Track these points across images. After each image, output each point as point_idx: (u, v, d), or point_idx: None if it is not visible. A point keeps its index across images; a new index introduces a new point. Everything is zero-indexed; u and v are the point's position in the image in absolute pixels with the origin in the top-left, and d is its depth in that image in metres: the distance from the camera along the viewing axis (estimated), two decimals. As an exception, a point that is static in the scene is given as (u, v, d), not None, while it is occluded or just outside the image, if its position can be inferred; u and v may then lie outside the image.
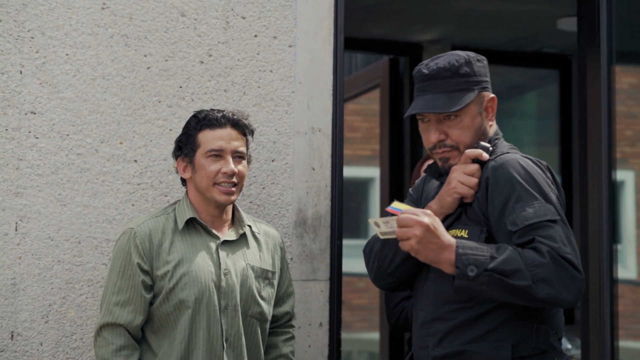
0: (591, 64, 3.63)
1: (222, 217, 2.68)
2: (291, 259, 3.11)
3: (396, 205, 2.34)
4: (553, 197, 2.22)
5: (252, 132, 2.71)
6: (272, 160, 3.14)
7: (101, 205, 2.91)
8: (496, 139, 2.41)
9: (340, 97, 3.29)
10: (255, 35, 3.14)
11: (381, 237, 2.24)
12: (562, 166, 6.11)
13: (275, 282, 2.74)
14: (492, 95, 2.42)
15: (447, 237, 2.18)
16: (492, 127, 2.43)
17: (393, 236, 2.21)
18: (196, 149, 2.62)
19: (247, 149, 2.70)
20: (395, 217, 2.19)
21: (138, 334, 2.58)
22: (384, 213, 5.77)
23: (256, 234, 2.74)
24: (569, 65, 6.14)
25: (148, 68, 3.00)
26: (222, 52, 3.10)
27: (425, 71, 2.37)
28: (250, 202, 3.11)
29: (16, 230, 2.80)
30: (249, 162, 2.72)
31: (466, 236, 2.25)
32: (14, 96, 2.83)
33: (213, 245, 2.63)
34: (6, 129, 2.82)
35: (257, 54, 3.14)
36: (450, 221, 2.32)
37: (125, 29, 2.98)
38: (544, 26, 5.31)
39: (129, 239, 2.58)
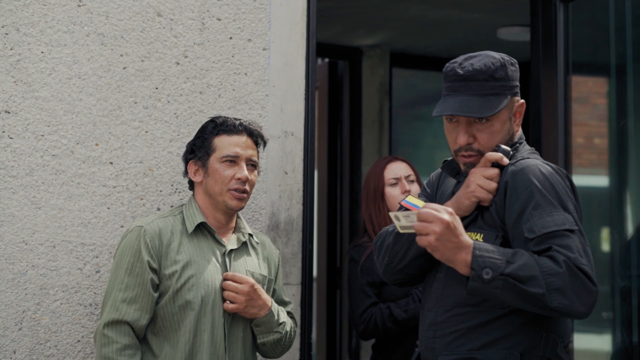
0: (547, 73, 3.74)
1: (227, 225, 2.72)
2: (263, 263, 3.10)
3: (410, 199, 2.32)
4: (571, 206, 2.20)
5: (264, 144, 2.77)
6: (246, 164, 3.12)
7: (76, 208, 2.83)
8: (519, 143, 2.37)
9: (312, 101, 3.29)
10: (231, 38, 3.12)
11: (401, 231, 2.20)
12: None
13: (271, 289, 2.80)
14: (522, 100, 2.37)
15: (466, 237, 2.14)
16: (518, 132, 2.39)
17: (412, 231, 2.16)
18: (211, 153, 2.65)
19: (258, 159, 2.74)
20: (415, 212, 2.15)
21: (141, 334, 2.55)
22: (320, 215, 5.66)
23: (254, 242, 2.78)
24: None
25: (124, 68, 2.93)
26: (198, 53, 3.05)
27: (460, 71, 2.29)
28: (225, 206, 3.08)
29: (-11, 233, 2.69)
30: (258, 173, 2.76)
31: (481, 240, 2.22)
32: (-13, 94, 2.72)
33: (218, 251, 2.67)
34: (-21, 129, 2.71)
35: (232, 56, 3.11)
36: (466, 223, 2.28)
37: (102, 27, 2.91)
38: (484, 35, 5.44)
39: (138, 236, 2.55)
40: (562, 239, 2.12)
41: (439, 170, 2.51)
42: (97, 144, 2.88)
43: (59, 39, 2.84)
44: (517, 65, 2.37)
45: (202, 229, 2.66)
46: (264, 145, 2.77)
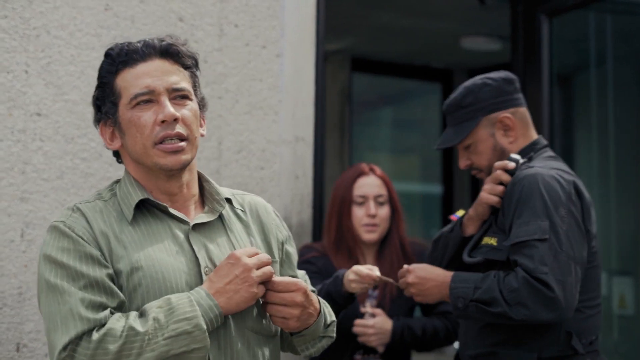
0: (531, 86, 3.92)
1: (182, 193, 1.90)
2: (276, 265, 3.15)
3: (459, 213, 2.51)
4: (560, 212, 2.33)
5: (195, 61, 1.95)
6: (262, 168, 3.18)
7: (104, 211, 2.83)
8: (534, 151, 2.53)
9: (321, 107, 3.38)
10: (247, 44, 3.17)
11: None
12: (444, 175, 6.47)
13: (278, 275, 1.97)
14: (505, 114, 2.53)
15: (442, 275, 2.42)
16: (517, 142, 2.54)
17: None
18: (117, 101, 1.86)
19: (196, 86, 1.94)
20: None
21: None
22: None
23: (238, 210, 1.98)
24: (451, 78, 6.51)
25: (149, 72, 2.95)
26: (217, 59, 3.10)
27: (443, 108, 2.63)
28: (242, 210, 3.13)
29: (22, 237, 2.67)
30: (202, 107, 1.96)
31: (495, 244, 2.42)
32: (19, 97, 2.70)
33: (180, 233, 1.86)
34: (12, 131, 2.69)
35: (249, 62, 3.17)
36: (482, 231, 2.50)
37: (127, 31, 2.92)
38: (446, 42, 5.62)
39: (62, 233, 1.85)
40: (529, 249, 2.30)
41: None
42: (123, 148, 2.89)
43: (88, 42, 2.84)
44: (496, 83, 2.55)
45: (147, 208, 1.87)
46: (197, 64, 1.96)
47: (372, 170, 3.09)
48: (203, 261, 1.84)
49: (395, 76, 6.35)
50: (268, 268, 1.82)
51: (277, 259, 1.99)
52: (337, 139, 5.88)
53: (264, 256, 1.83)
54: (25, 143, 2.71)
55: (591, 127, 4.35)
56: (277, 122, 3.22)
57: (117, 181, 1.95)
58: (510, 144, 2.54)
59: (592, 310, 2.42)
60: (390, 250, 3.04)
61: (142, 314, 1.74)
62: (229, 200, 1.97)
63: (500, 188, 2.45)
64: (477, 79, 2.58)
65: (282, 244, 2.02)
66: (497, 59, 5.77)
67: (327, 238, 3.06)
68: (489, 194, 2.46)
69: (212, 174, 3.06)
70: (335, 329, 2.05)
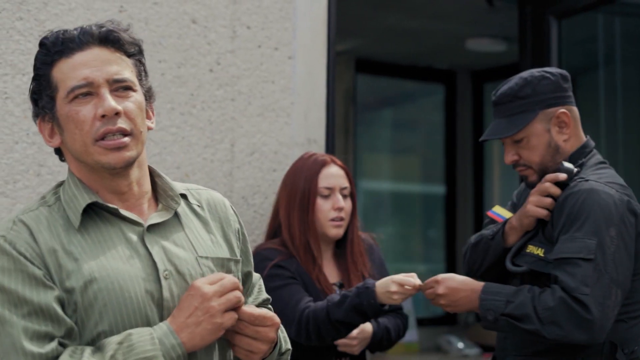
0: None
1: (132, 191, 1.75)
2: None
3: (497, 209, 2.47)
4: (611, 232, 2.27)
5: (139, 48, 1.80)
6: (274, 170, 3.18)
7: (118, 213, 2.83)
8: (583, 155, 2.45)
9: (333, 109, 3.38)
10: (259, 46, 3.17)
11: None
12: (446, 176, 6.48)
13: (240, 274, 1.85)
14: (562, 109, 2.43)
15: (472, 285, 2.37)
16: (570, 142, 2.46)
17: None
18: (55, 95, 1.72)
19: (141, 75, 1.78)
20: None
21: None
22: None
23: (195, 206, 1.84)
24: (454, 80, 6.51)
25: (162, 74, 2.95)
26: (230, 61, 3.10)
27: (493, 98, 2.49)
28: (254, 212, 3.13)
29: (37, 239, 2.66)
30: (149, 98, 1.79)
31: (542, 255, 2.37)
32: (34, 99, 2.69)
33: (134, 236, 1.71)
34: (27, 134, 2.68)
35: (261, 64, 3.17)
36: (527, 238, 2.44)
37: (141, 33, 2.91)
38: (451, 44, 5.62)
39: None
40: (572, 267, 2.25)
41: None
42: (137, 150, 2.88)
43: (102, 44, 2.83)
44: (555, 78, 2.45)
45: (95, 211, 1.71)
46: (141, 52, 1.80)
47: (333, 161, 2.86)
48: (162, 264, 1.69)
49: (399, 77, 6.35)
50: (233, 294, 1.65)
51: (239, 257, 1.85)
52: (341, 140, 5.88)
53: (229, 281, 1.66)
54: (41, 145, 2.70)
55: (599, 129, 4.36)
56: (289, 124, 3.22)
57: (62, 183, 1.77)
58: (564, 141, 2.45)
59: (636, 320, 2.38)
60: (352, 247, 2.84)
61: (99, 349, 1.59)
62: (183, 196, 1.82)
63: (549, 200, 2.38)
64: (534, 71, 2.46)
65: (240, 240, 1.88)
66: (501, 60, 5.79)
67: (289, 236, 2.78)
68: (536, 206, 2.40)
69: (225, 176, 3.06)
70: (289, 357, 1.89)
